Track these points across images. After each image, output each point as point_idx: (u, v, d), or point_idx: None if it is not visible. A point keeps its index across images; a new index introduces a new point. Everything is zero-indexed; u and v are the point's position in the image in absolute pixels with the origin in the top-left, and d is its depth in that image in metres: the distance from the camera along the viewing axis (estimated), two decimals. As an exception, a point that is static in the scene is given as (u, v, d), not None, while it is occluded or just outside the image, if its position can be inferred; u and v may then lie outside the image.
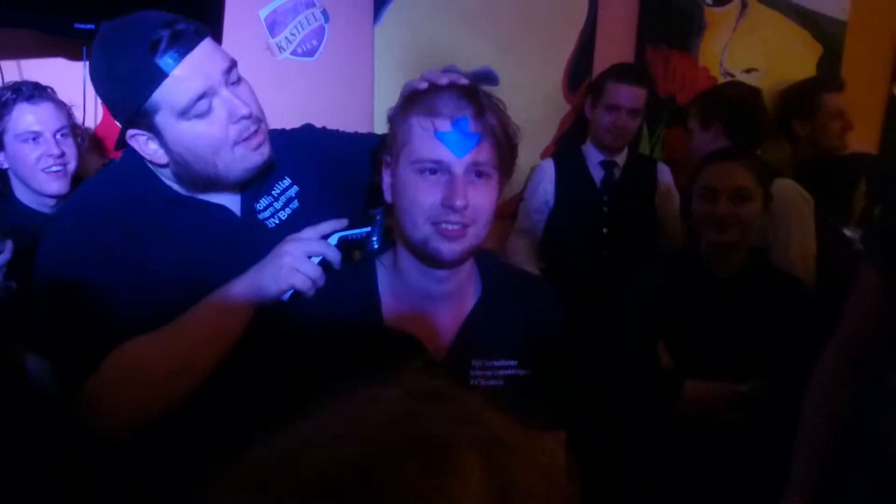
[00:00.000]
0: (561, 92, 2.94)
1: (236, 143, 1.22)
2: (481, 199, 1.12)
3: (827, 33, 3.19)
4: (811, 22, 3.17)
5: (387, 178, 1.19)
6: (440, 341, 1.21)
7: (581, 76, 2.94)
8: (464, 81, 1.14)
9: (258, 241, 1.28)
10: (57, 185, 1.88)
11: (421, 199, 1.11)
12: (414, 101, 1.14)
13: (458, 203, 1.09)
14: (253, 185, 1.33)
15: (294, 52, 2.49)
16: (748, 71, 3.08)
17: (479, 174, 1.12)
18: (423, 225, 1.12)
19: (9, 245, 1.60)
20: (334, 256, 1.22)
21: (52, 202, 1.92)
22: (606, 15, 2.94)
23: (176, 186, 1.28)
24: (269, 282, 1.19)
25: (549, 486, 0.40)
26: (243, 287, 1.20)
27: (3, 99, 1.84)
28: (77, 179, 1.94)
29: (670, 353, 1.91)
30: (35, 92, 1.87)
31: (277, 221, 1.35)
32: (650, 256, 2.41)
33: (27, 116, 1.85)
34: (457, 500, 0.36)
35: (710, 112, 2.47)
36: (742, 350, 1.86)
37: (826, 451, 1.35)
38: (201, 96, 1.16)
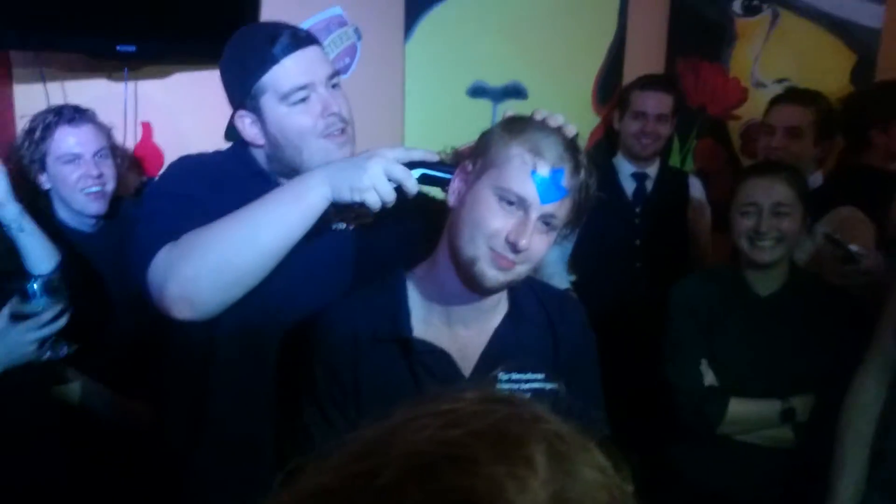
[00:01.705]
0: (590, 105, 2.95)
1: (323, 135, 1.33)
2: (541, 246, 1.16)
3: (860, 41, 3.15)
4: (844, 30, 3.14)
5: (459, 184, 1.20)
6: (468, 354, 1.23)
7: (610, 89, 2.95)
8: (572, 132, 1.18)
9: (322, 237, 1.32)
10: (96, 206, 1.93)
11: (490, 221, 1.13)
12: (519, 129, 1.16)
13: (522, 243, 1.11)
14: None
15: (327, 70, 2.55)
16: (780, 81, 3.05)
17: (550, 224, 1.15)
18: (480, 244, 1.14)
19: (63, 315, 1.65)
20: (412, 188, 1.23)
21: (92, 221, 1.98)
22: (636, 27, 2.95)
23: (267, 169, 1.41)
24: (345, 186, 1.22)
25: (606, 480, 0.44)
26: (319, 181, 1.24)
27: (46, 122, 1.90)
28: (116, 199, 2.00)
29: (714, 372, 1.89)
30: (76, 115, 1.92)
31: (343, 227, 1.40)
32: (684, 270, 2.39)
33: (69, 139, 1.90)
34: (527, 484, 0.40)
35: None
36: (786, 368, 1.84)
37: (861, 466, 1.34)
38: (303, 87, 1.32)
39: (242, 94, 1.35)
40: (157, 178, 1.51)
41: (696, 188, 2.75)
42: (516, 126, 1.17)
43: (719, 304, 1.94)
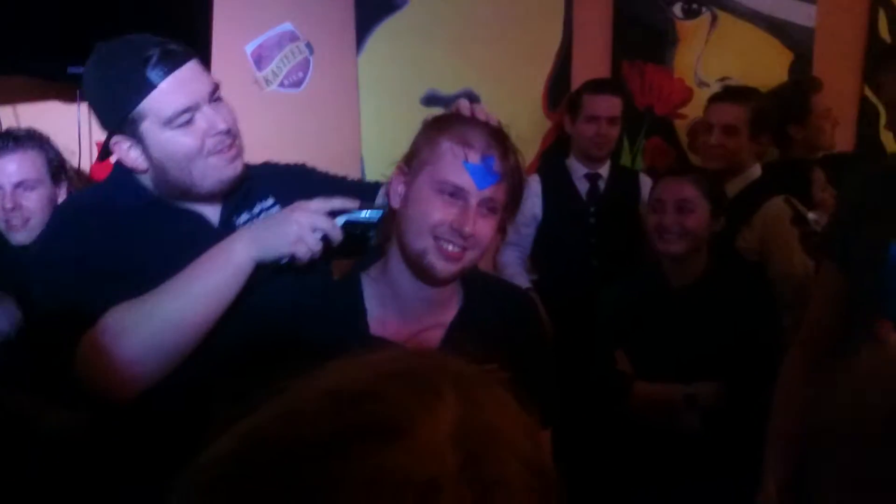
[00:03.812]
0: (541, 109, 3.03)
1: (211, 153, 1.30)
2: (486, 230, 1.20)
3: (796, 40, 3.28)
4: (780, 30, 3.26)
5: (398, 187, 1.25)
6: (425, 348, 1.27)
7: (560, 93, 3.03)
8: (495, 121, 1.23)
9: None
10: (18, 237, 1.91)
11: (432, 214, 1.18)
12: (447, 125, 1.22)
13: (467, 229, 1.17)
14: (235, 199, 1.40)
15: (280, 85, 2.58)
16: (722, 79, 3.16)
17: (490, 208, 1.20)
18: (426, 237, 1.19)
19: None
20: (336, 237, 1.26)
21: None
22: (581, 33, 3.04)
23: (157, 193, 1.36)
24: (271, 244, 1.24)
25: (508, 410, 0.49)
26: (245, 243, 1.25)
27: None
28: None
29: (631, 361, 2.01)
30: (0, 144, 1.90)
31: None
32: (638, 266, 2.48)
33: None
34: (435, 411, 0.46)
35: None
36: (695, 355, 1.94)
37: (794, 446, 1.38)
38: (186, 110, 1.27)
39: (117, 120, 1.28)
40: (44, 233, 1.41)
41: (648, 186, 2.83)
42: (443, 122, 1.23)
43: (640, 298, 2.08)
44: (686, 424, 1.91)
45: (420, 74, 2.78)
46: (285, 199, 1.43)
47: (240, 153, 1.35)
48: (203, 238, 1.33)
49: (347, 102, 2.69)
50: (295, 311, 1.28)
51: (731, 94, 2.60)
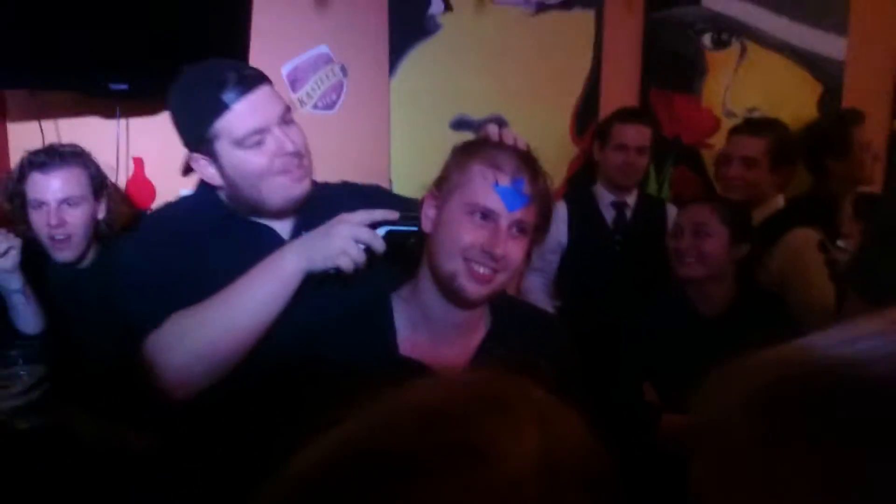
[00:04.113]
0: (569, 136, 3.05)
1: (279, 173, 1.36)
2: (516, 252, 1.22)
3: (825, 72, 3.28)
4: (809, 62, 3.27)
5: (430, 211, 1.27)
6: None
7: (588, 121, 3.05)
8: (524, 145, 1.26)
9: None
10: (61, 254, 1.93)
11: (463, 236, 1.20)
12: (477, 149, 1.24)
13: (498, 251, 1.18)
14: (306, 215, 1.44)
15: (315, 106, 2.63)
16: (751, 110, 3.17)
17: (521, 230, 1.22)
18: (457, 259, 1.20)
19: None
20: (379, 247, 1.30)
21: (84, 257, 1.99)
22: (611, 61, 3.06)
23: (233, 208, 1.44)
24: (318, 256, 1.28)
25: (588, 444, 0.51)
26: (295, 255, 1.29)
27: (23, 165, 1.92)
28: (106, 236, 2.01)
29: (660, 392, 2.01)
30: (48, 160, 1.92)
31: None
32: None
33: (36, 185, 1.91)
34: (522, 447, 0.47)
35: (789, 155, 2.52)
36: None
37: None
38: (256, 131, 1.34)
39: (196, 139, 1.37)
40: (134, 239, 1.51)
41: (673, 216, 2.83)
42: (473, 147, 1.26)
43: (667, 328, 2.06)
44: None
45: (450, 99, 2.82)
46: None
47: (307, 173, 1.41)
48: (272, 251, 1.38)
49: (379, 125, 2.73)
50: (326, 329, 1.31)
51: (751, 126, 2.59)
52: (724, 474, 0.48)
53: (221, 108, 1.32)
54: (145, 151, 2.40)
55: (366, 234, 1.29)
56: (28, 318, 1.79)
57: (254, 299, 1.28)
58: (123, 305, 1.36)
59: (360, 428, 0.48)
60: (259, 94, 1.35)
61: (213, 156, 1.37)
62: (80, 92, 2.26)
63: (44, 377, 1.68)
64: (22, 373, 1.66)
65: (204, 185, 1.46)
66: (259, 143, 1.34)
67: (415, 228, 1.31)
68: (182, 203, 1.50)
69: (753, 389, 0.47)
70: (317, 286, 1.33)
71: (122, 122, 2.35)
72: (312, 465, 0.46)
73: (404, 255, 1.35)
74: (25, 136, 2.22)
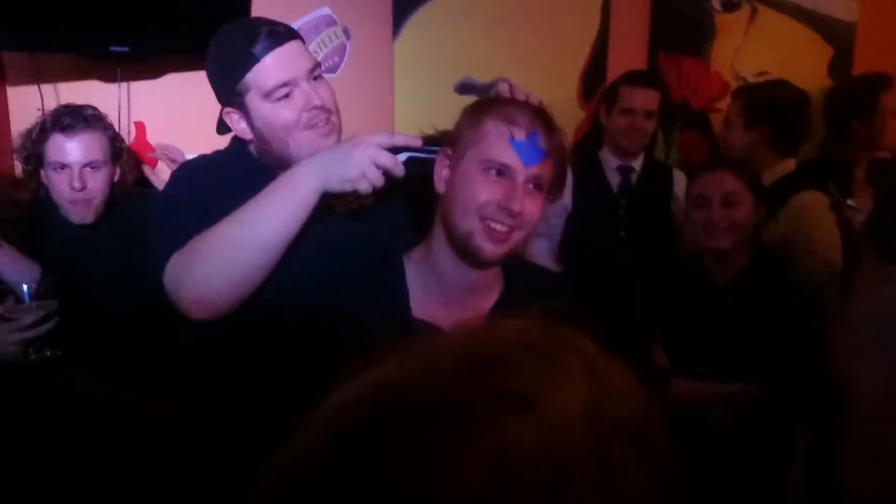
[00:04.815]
0: (576, 100, 3.01)
1: (306, 127, 1.38)
2: (533, 208, 1.20)
3: (837, 35, 3.23)
4: (820, 24, 3.22)
5: (443, 171, 1.25)
6: None
7: (595, 85, 3.01)
8: (536, 101, 1.24)
9: (323, 221, 1.36)
10: (78, 216, 1.93)
11: (480, 194, 1.18)
12: (490, 106, 1.22)
13: (515, 207, 1.16)
14: None
15: (317, 69, 2.59)
16: (760, 74, 3.13)
17: (537, 186, 1.20)
18: (473, 218, 1.18)
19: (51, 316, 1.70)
20: (398, 172, 1.27)
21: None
22: (618, 25, 3.01)
23: (263, 162, 1.46)
24: (334, 176, 1.27)
25: (636, 394, 0.49)
26: (309, 174, 1.29)
27: (44, 124, 1.89)
28: (117, 199, 1.99)
29: (673, 358, 1.99)
30: (72, 122, 1.90)
31: (346, 210, 1.44)
32: (665, 261, 2.47)
33: (60, 147, 1.89)
34: (565, 385, 0.45)
35: (758, 114, 2.47)
36: (736, 354, 1.92)
37: None
38: (285, 84, 1.36)
39: (227, 92, 1.41)
40: (165, 186, 1.56)
41: (681, 180, 2.81)
42: (484, 104, 1.24)
43: (680, 293, 2.06)
44: (720, 421, 1.90)
45: (455, 62, 2.78)
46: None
47: (334, 129, 1.42)
48: None
49: (382, 88, 2.69)
50: (339, 290, 1.30)
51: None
52: None
53: (251, 60, 1.35)
54: (147, 115, 2.37)
55: (386, 158, 1.26)
56: (12, 272, 1.76)
57: (267, 217, 1.28)
58: (154, 237, 1.37)
59: (400, 370, 0.47)
60: (288, 48, 1.38)
61: (243, 110, 1.40)
62: (80, 54, 2.23)
63: (50, 314, 1.69)
64: (32, 304, 1.68)
65: (236, 141, 1.49)
66: (287, 97, 1.37)
67: (434, 155, 1.28)
68: (215, 156, 1.53)
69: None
70: (329, 223, 1.34)
71: (124, 85, 2.32)
72: (351, 400, 0.45)
73: (421, 185, 1.31)
74: (25, 100, 2.20)
